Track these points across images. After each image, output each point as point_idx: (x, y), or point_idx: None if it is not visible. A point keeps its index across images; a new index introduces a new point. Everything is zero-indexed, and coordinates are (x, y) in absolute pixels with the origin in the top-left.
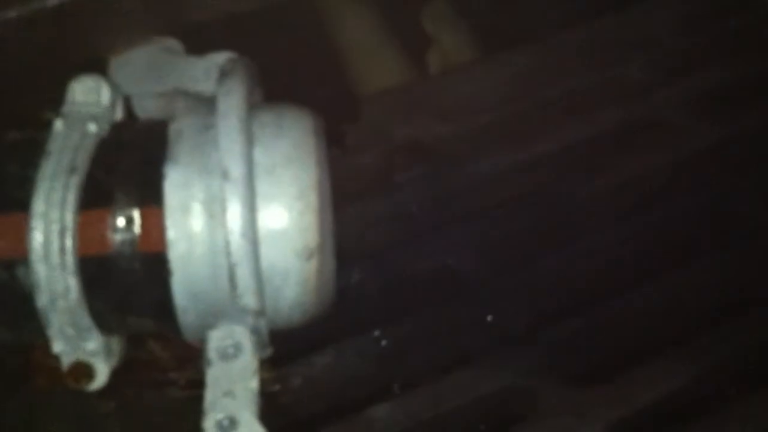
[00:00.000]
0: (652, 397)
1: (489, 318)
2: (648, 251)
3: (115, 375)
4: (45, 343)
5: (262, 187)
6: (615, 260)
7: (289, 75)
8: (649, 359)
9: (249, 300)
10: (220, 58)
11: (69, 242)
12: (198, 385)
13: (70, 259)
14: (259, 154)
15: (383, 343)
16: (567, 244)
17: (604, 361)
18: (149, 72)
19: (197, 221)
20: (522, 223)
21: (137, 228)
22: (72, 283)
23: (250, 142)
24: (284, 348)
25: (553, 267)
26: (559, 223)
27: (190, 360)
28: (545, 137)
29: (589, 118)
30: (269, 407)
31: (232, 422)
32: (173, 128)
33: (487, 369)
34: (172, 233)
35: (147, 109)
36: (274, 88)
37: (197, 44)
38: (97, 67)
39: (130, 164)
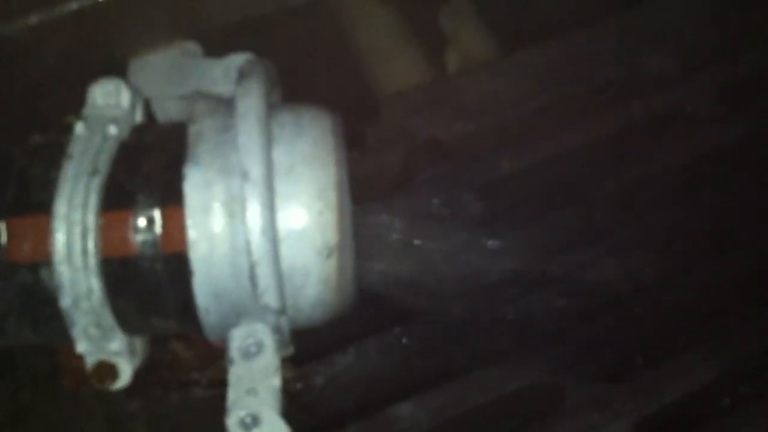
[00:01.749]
0: (678, 394)
1: (510, 316)
2: (675, 246)
3: (139, 375)
4: (70, 344)
5: (281, 186)
6: (642, 256)
7: (308, 77)
8: (675, 356)
9: (270, 298)
10: (239, 59)
11: (91, 244)
12: (221, 384)
13: (92, 261)
14: (279, 154)
15: (405, 341)
16: (593, 240)
17: (630, 357)
18: (169, 75)
19: (218, 221)
20: (546, 220)
21: (158, 229)
22: (95, 284)
23: (269, 142)
24: (306, 347)
25: (579, 264)
26: (584, 219)
27: (213, 360)
28: (568, 133)
29: (612, 113)
30: (292, 406)
31: (255, 420)
32: (193, 130)
33: (511, 367)
34: (193, 233)
35: (167, 111)
36: (293, 90)
37: (216, 47)
38: (118, 70)
39: (150, 166)
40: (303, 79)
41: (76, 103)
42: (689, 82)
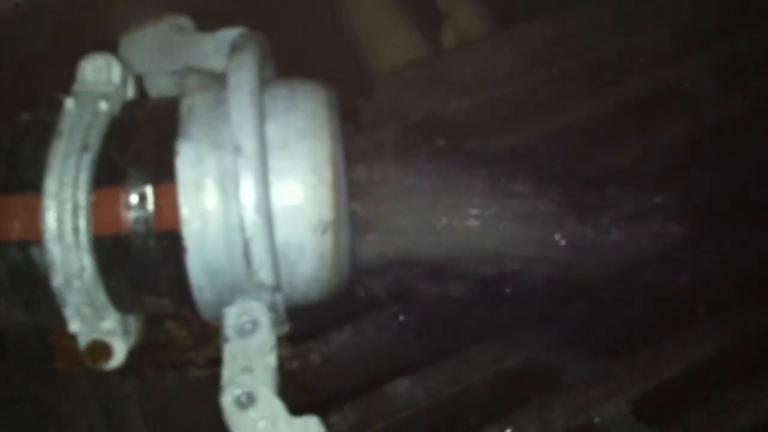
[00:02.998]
0: (676, 370)
1: (508, 290)
2: (674, 223)
3: (133, 355)
4: (62, 325)
5: (275, 161)
6: (639, 233)
7: (301, 53)
8: (673, 333)
9: (264, 275)
10: (231, 34)
11: (82, 221)
12: (216, 364)
13: (84, 239)
14: (272, 129)
15: (401, 318)
16: (591, 216)
17: (628, 334)
18: (160, 50)
19: (211, 197)
20: (542, 197)
21: (151, 206)
22: (87, 262)
23: (262, 116)
24: (302, 325)
25: (576, 240)
26: (585, 194)
27: (208, 339)
28: (565, 109)
29: (609, 89)
30: (288, 385)
31: (250, 398)
32: (185, 105)
33: (508, 343)
34: (185, 210)
35: (159, 87)
36: (286, 66)
37: (208, 23)
38: (109, 47)
39: (142, 142)
40: (296, 56)
41: (66, 82)
42: (686, 59)
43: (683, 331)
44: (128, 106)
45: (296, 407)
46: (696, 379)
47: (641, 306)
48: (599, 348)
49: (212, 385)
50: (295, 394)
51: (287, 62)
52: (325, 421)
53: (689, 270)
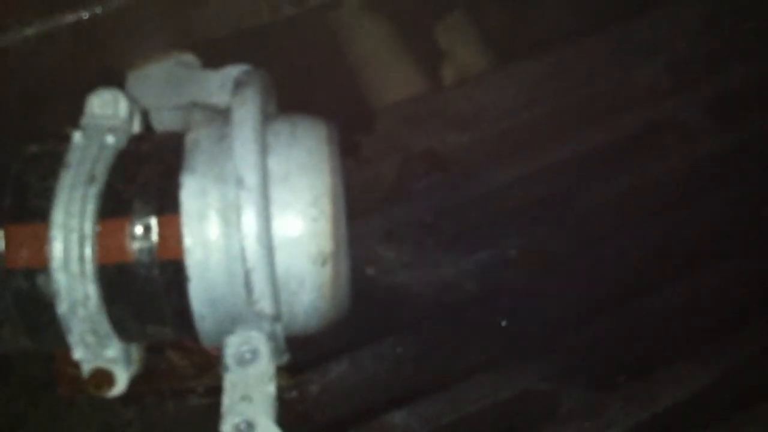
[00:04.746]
0: (671, 401)
1: (504, 323)
2: (669, 255)
3: (135, 383)
4: (67, 352)
5: (276, 194)
6: (635, 264)
7: (303, 88)
8: (669, 362)
9: (265, 305)
10: (235, 70)
11: (88, 251)
12: (217, 392)
13: (89, 268)
14: (274, 163)
15: (398, 350)
16: (587, 249)
17: (624, 364)
18: (166, 86)
19: (213, 228)
20: (540, 230)
21: (155, 236)
22: (91, 290)
23: (264, 150)
24: (301, 356)
25: (573, 272)
26: (577, 229)
27: (209, 368)
28: (563, 144)
29: (606, 123)
30: (287, 414)
31: (250, 426)
32: (189, 139)
33: (505, 374)
34: (189, 240)
35: (164, 121)
36: (288, 101)
37: (212, 59)
38: (115, 81)
39: (147, 174)
40: (298, 90)
41: (73, 115)
42: (681, 94)
43: (680, 363)
44: (134, 140)
45: None
46: (690, 411)
47: (637, 337)
48: (594, 379)
49: (212, 413)
50: (294, 424)
51: (289, 97)
52: None
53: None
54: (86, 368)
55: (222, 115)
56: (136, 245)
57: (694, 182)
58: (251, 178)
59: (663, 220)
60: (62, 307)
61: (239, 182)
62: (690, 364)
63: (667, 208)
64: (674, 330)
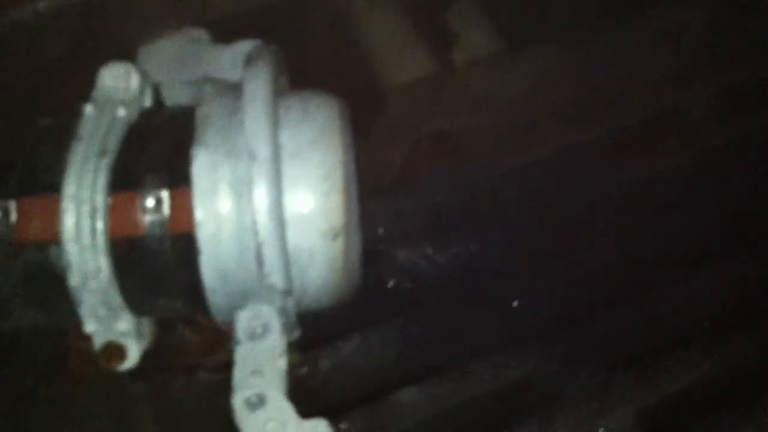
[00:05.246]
0: (681, 383)
1: (515, 304)
2: (676, 244)
3: (146, 359)
4: (78, 327)
5: (288, 169)
6: (643, 251)
7: (314, 69)
8: (676, 349)
9: (276, 279)
10: (247, 46)
11: (100, 223)
12: (227, 368)
13: (100, 240)
14: (285, 137)
15: (409, 329)
16: (595, 236)
17: (631, 350)
18: (177, 61)
19: (225, 202)
20: (549, 215)
21: (166, 209)
22: (103, 263)
23: (276, 124)
24: (312, 333)
25: (580, 259)
26: (587, 215)
27: (220, 345)
28: (571, 131)
29: (615, 111)
30: (297, 390)
31: (261, 399)
32: (201, 113)
33: (513, 356)
34: (200, 214)
35: (175, 96)
36: (299, 81)
37: (223, 37)
38: (126, 56)
39: (159, 148)
40: (309, 71)
41: (85, 89)
42: (692, 85)
43: (687, 349)
44: (145, 114)
45: (305, 412)
46: (700, 393)
47: (645, 323)
48: (603, 360)
49: (223, 389)
50: (304, 400)
51: (301, 77)
52: (334, 426)
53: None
54: (98, 341)
55: (233, 90)
56: (147, 218)
57: (700, 174)
58: (263, 152)
59: (671, 209)
60: (74, 280)
61: (251, 156)
62: (698, 348)
63: (674, 198)
64: (683, 317)
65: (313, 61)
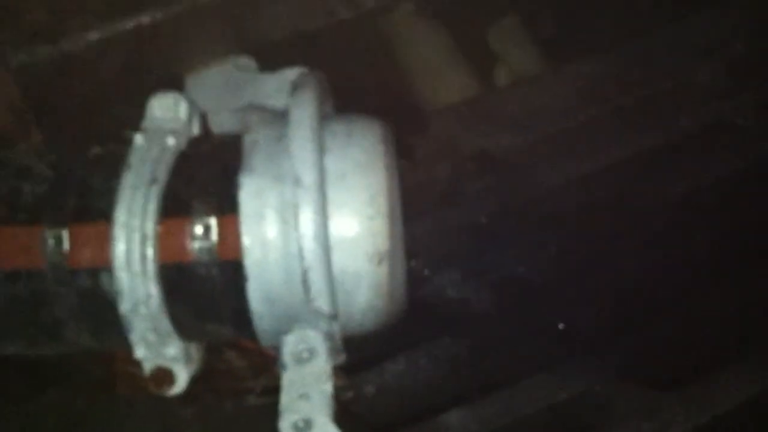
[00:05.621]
0: (731, 404)
1: (561, 326)
2: (725, 256)
3: (195, 382)
4: (127, 351)
5: (333, 193)
6: (691, 265)
7: (357, 91)
8: (727, 365)
9: (322, 303)
10: (293, 73)
11: (150, 250)
12: (274, 392)
13: (151, 267)
14: (330, 162)
15: (454, 350)
16: (642, 250)
17: (681, 366)
18: (224, 89)
19: (271, 228)
20: (594, 232)
21: (215, 236)
22: (153, 289)
23: (321, 150)
24: (357, 356)
25: (628, 274)
26: (633, 230)
27: (266, 369)
28: (614, 146)
29: (659, 125)
30: (343, 414)
31: (308, 424)
32: (248, 140)
33: (561, 375)
34: (247, 240)
35: (222, 124)
36: (343, 103)
37: (269, 62)
38: (175, 85)
39: (207, 175)
40: (353, 94)
41: (134, 118)
42: (738, 95)
43: (738, 365)
44: (194, 142)
45: None
46: (751, 414)
47: (694, 339)
48: (651, 380)
49: (270, 412)
50: (350, 424)
51: (344, 100)
52: None
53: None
54: (147, 367)
55: (279, 117)
56: (196, 245)
57: (751, 184)
58: (308, 177)
59: (718, 221)
60: (125, 306)
61: (297, 181)
62: (750, 366)
63: (723, 209)
64: (733, 332)
65: (357, 84)
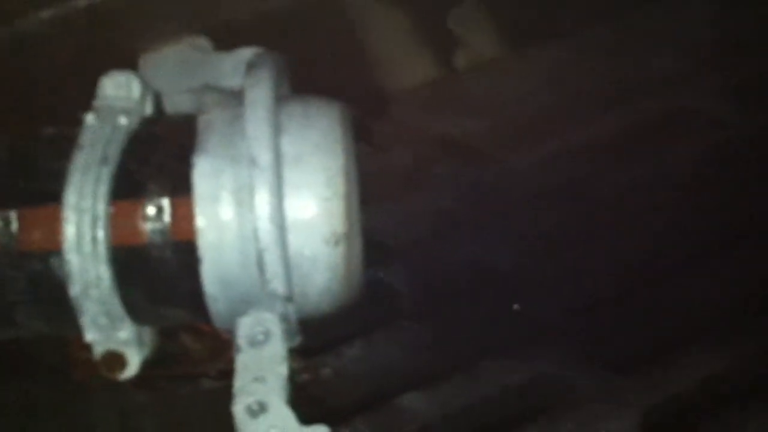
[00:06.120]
0: (686, 384)
1: (516, 307)
2: (686, 240)
3: (148, 367)
4: (80, 336)
5: (289, 175)
6: (650, 250)
7: (319, 74)
8: (683, 347)
9: (277, 285)
10: (248, 52)
11: (101, 232)
12: (230, 376)
13: (102, 249)
14: (287, 144)
15: (412, 333)
16: (602, 234)
17: (638, 349)
18: (179, 69)
19: (226, 209)
20: (555, 215)
21: (168, 217)
22: (104, 272)
23: (277, 131)
24: (314, 339)
25: (588, 258)
26: (594, 214)
27: (222, 352)
28: (577, 130)
29: (623, 109)
30: (300, 397)
31: (262, 406)
32: (202, 120)
33: (519, 358)
34: (201, 221)
35: (177, 104)
36: (304, 87)
37: (226, 43)
38: (129, 65)
39: (160, 156)
40: (313, 76)
41: (88, 98)
42: (698, 81)
43: (694, 347)
44: (147, 122)
45: (307, 420)
46: (706, 394)
47: (652, 322)
48: (609, 362)
49: (225, 396)
50: (307, 407)
51: (305, 82)
52: None
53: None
54: (98, 350)
55: (235, 97)
56: (148, 226)
57: (713, 169)
58: (264, 158)
59: (680, 205)
60: (75, 289)
61: (252, 162)
62: (706, 348)
63: (685, 193)
64: (690, 315)
65: (318, 66)
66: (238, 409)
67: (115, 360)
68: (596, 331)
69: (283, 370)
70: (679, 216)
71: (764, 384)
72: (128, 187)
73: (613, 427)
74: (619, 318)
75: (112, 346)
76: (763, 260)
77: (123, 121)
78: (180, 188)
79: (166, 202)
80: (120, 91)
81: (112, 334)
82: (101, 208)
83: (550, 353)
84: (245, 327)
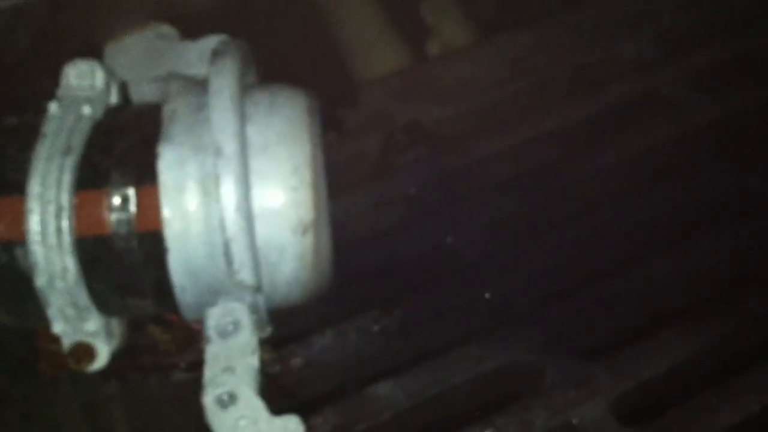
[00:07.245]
0: (656, 371)
1: (487, 295)
2: (654, 228)
3: (117, 359)
4: (47, 328)
5: (255, 164)
6: (620, 237)
7: (288, 62)
8: (653, 334)
9: (245, 275)
10: (213, 41)
11: (65, 223)
12: (199, 367)
13: (66, 240)
14: (253, 132)
15: (383, 322)
16: (570, 221)
17: (608, 336)
18: (144, 57)
19: (192, 199)
20: (523, 202)
21: (133, 207)
22: (69, 263)
23: (243, 119)
24: (284, 329)
25: (555, 245)
26: (561, 201)
27: (191, 343)
28: (547, 117)
29: (589, 96)
30: (270, 388)
31: (232, 397)
32: (167, 109)
33: (490, 346)
34: (167, 211)
35: (142, 93)
36: (272, 75)
37: (193, 31)
38: (94, 54)
39: (125, 145)
40: (282, 64)
41: (52, 88)
42: (666, 67)
43: (664, 334)
44: (111, 111)
45: (278, 410)
46: (675, 381)
47: (622, 309)
48: (579, 350)
49: (195, 388)
50: (277, 397)
51: (273, 70)
52: (307, 422)
53: (666, 273)
54: (66, 342)
55: (200, 86)
56: (113, 217)
57: (679, 155)
58: (229, 147)
59: (648, 193)
60: (40, 281)
61: (217, 151)
62: (675, 334)
63: (652, 180)
64: (660, 302)
65: (286, 54)
66: (208, 400)
67: (84, 352)
68: (566, 319)
69: (253, 360)
70: (646, 202)
71: (734, 369)
72: (93, 177)
73: (585, 413)
74: (588, 305)
75: (81, 337)
76: (731, 245)
77: (87, 110)
78: (145, 178)
79: (131, 192)
80: (84, 80)
81: (80, 325)
82: (65, 198)
83: (521, 341)
84: (214, 317)
